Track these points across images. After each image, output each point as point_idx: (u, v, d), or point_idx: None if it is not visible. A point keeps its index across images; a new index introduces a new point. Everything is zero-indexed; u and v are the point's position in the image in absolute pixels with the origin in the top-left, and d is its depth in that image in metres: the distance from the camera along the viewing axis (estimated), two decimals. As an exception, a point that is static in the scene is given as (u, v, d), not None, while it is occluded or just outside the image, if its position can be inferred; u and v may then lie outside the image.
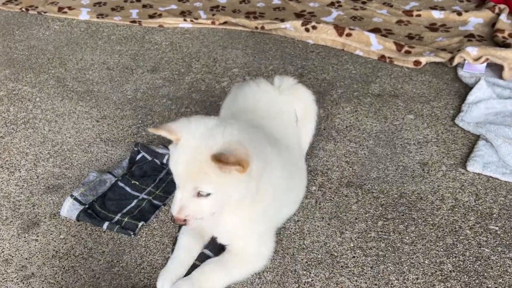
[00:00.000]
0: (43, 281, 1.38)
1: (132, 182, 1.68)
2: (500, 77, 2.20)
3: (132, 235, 1.49)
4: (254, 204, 1.31)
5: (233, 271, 1.33)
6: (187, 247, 1.40)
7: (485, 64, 2.21)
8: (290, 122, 1.60)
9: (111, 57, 2.50)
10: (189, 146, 1.18)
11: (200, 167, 1.16)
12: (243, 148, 1.17)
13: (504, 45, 2.33)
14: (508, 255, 1.41)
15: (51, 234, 1.52)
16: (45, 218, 1.57)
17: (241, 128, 1.26)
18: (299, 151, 1.62)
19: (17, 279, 1.38)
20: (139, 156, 1.78)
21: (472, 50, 2.22)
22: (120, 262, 1.43)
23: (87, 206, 1.56)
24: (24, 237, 1.51)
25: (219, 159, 1.13)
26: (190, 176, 1.19)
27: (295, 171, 1.50)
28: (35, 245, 1.48)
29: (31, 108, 2.12)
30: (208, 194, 1.20)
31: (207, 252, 1.41)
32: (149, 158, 1.77)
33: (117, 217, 1.55)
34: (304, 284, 1.34)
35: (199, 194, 1.20)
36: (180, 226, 1.46)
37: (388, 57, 2.40)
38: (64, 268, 1.41)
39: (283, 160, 1.40)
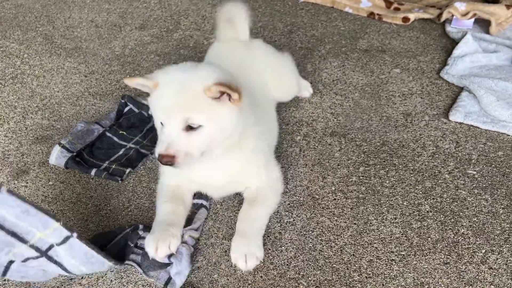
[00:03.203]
0: (33, 223, 1.42)
1: (120, 132, 1.70)
2: (487, 32, 2.21)
3: (120, 181, 1.53)
4: (243, 143, 1.29)
5: (267, 204, 1.37)
6: (171, 212, 1.32)
7: (472, 19, 2.22)
8: (258, 75, 1.60)
9: (99, 15, 2.49)
10: (174, 81, 1.16)
11: (192, 96, 1.14)
12: (234, 81, 1.18)
13: (493, 0, 2.32)
14: (483, 197, 1.46)
15: (40, 180, 1.55)
16: (34, 166, 1.60)
17: (223, 68, 1.27)
18: (266, 100, 1.61)
19: (8, 221, 1.42)
20: (126, 109, 1.80)
21: (460, 6, 2.22)
22: (108, 205, 1.46)
23: (75, 153, 1.59)
24: (14, 183, 1.54)
25: (223, 84, 1.13)
26: (180, 106, 1.14)
27: (265, 116, 1.52)
28: (25, 191, 1.52)
29: (19, 64, 2.12)
30: (199, 127, 1.16)
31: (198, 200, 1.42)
32: (136, 110, 1.79)
33: (105, 164, 1.58)
34: (286, 224, 1.39)
35: (188, 128, 1.16)
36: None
37: (377, 14, 2.39)
38: (53, 211, 1.45)
39: (255, 105, 1.42)
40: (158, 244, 1.21)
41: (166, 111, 1.16)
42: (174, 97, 1.15)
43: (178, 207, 1.34)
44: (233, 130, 1.22)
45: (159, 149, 1.16)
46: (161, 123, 1.20)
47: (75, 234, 1.12)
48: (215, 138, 1.20)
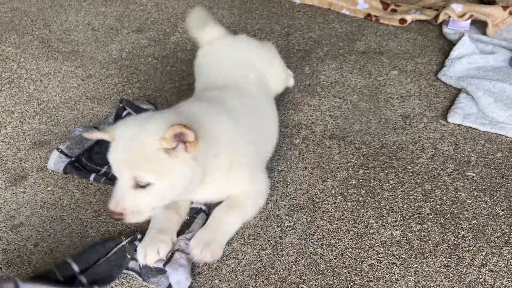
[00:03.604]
0: (31, 229, 1.41)
1: (118, 136, 1.69)
2: (484, 34, 2.21)
3: (119, 186, 1.52)
4: (222, 165, 1.27)
5: (245, 213, 1.36)
6: (164, 219, 1.32)
7: (469, 21, 2.23)
8: (248, 72, 1.60)
9: (95, 18, 2.47)
10: (126, 136, 1.13)
11: (141, 153, 1.11)
12: (189, 127, 1.11)
13: (489, 2, 2.33)
14: (483, 199, 1.46)
15: (38, 186, 1.54)
16: (32, 171, 1.59)
17: (179, 113, 1.24)
18: (264, 94, 1.61)
19: (6, 228, 1.41)
20: (124, 113, 1.79)
21: (457, 7, 2.23)
22: (107, 211, 1.45)
23: (73, 159, 1.58)
24: (12, 189, 1.53)
25: (177, 125, 1.08)
26: (128, 165, 1.12)
27: (263, 113, 1.53)
28: (23, 197, 1.51)
29: (16, 68, 2.10)
30: (148, 185, 1.13)
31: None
32: (134, 114, 1.78)
33: (104, 169, 1.57)
34: (286, 228, 1.38)
35: (137, 186, 1.13)
36: None
37: (374, 16, 2.40)
38: (52, 217, 1.44)
39: (249, 107, 1.43)
40: (146, 251, 1.21)
41: (116, 167, 1.15)
42: (122, 153, 1.13)
43: (172, 214, 1.33)
44: (187, 183, 1.18)
45: (109, 205, 1.16)
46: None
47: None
48: (166, 195, 1.17)
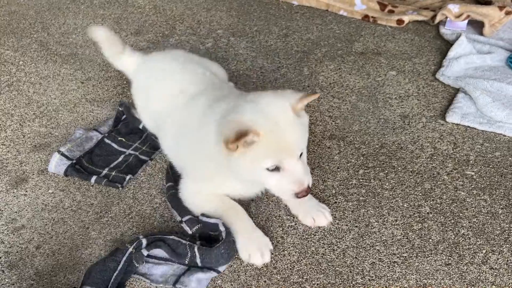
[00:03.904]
0: (33, 232, 1.41)
1: (119, 138, 1.69)
2: (481, 34, 2.23)
3: (120, 188, 1.52)
4: None
5: None
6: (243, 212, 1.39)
7: (466, 21, 2.24)
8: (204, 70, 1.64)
9: (94, 21, 2.48)
10: (278, 120, 1.18)
11: (297, 128, 1.21)
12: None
13: (485, 2, 2.35)
14: (482, 197, 1.47)
15: (39, 189, 1.54)
16: (33, 174, 1.59)
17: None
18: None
19: (8, 231, 1.41)
20: (124, 117, 1.79)
21: (454, 7, 2.24)
22: (109, 212, 1.46)
23: (74, 161, 1.58)
24: (13, 192, 1.53)
25: (304, 97, 1.22)
26: (298, 144, 1.22)
27: None
28: (24, 200, 1.51)
29: (15, 71, 2.10)
30: (301, 154, 1.24)
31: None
32: (130, 119, 1.77)
33: (105, 171, 1.58)
34: (287, 228, 1.39)
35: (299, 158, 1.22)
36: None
37: (372, 17, 2.41)
38: (53, 219, 1.44)
39: None
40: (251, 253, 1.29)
41: (291, 150, 1.20)
42: (294, 136, 1.20)
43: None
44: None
45: (303, 185, 1.21)
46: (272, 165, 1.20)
47: None
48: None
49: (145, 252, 1.26)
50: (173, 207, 1.42)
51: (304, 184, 1.21)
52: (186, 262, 1.27)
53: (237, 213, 1.36)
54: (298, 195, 1.21)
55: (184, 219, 1.37)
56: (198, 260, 1.26)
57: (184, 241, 1.29)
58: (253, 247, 1.28)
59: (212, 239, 1.32)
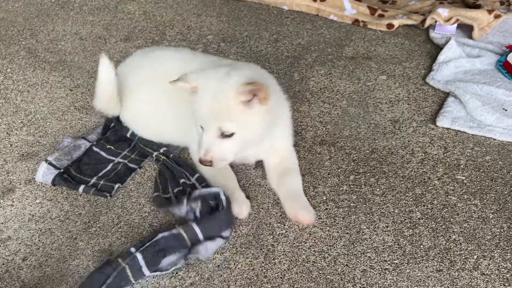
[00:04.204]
0: (20, 243, 1.38)
1: (107, 147, 1.67)
2: (470, 37, 2.24)
3: (109, 197, 1.51)
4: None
5: (295, 169, 1.52)
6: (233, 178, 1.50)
7: (455, 25, 2.25)
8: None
9: (83, 28, 2.46)
10: (209, 88, 1.29)
11: (224, 106, 1.27)
12: (262, 82, 1.29)
13: (474, 6, 2.36)
14: (473, 202, 1.47)
15: (26, 199, 1.52)
16: (20, 184, 1.57)
17: (250, 69, 1.42)
18: None
19: (-6, 242, 1.39)
20: (112, 124, 1.78)
21: (443, 11, 2.25)
22: (97, 222, 1.44)
23: (62, 170, 1.56)
24: (0, 203, 1.51)
25: (251, 83, 1.25)
26: (214, 117, 1.28)
27: None
28: (11, 210, 1.48)
29: (2, 79, 2.08)
30: (232, 134, 1.29)
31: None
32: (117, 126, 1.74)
33: (93, 180, 1.55)
34: (278, 236, 1.38)
35: (223, 135, 1.30)
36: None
37: (362, 21, 2.41)
38: (40, 230, 1.42)
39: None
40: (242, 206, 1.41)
41: (204, 119, 1.31)
42: (209, 106, 1.29)
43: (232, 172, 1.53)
44: (263, 131, 1.36)
45: (199, 154, 1.33)
46: (201, 127, 1.34)
47: None
48: (247, 142, 1.35)
49: (147, 273, 1.24)
50: (161, 182, 1.52)
51: (202, 155, 1.31)
52: (188, 243, 1.28)
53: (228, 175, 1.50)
54: (200, 161, 1.33)
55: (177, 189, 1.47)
56: (200, 236, 1.29)
57: (175, 230, 1.28)
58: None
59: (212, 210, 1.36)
